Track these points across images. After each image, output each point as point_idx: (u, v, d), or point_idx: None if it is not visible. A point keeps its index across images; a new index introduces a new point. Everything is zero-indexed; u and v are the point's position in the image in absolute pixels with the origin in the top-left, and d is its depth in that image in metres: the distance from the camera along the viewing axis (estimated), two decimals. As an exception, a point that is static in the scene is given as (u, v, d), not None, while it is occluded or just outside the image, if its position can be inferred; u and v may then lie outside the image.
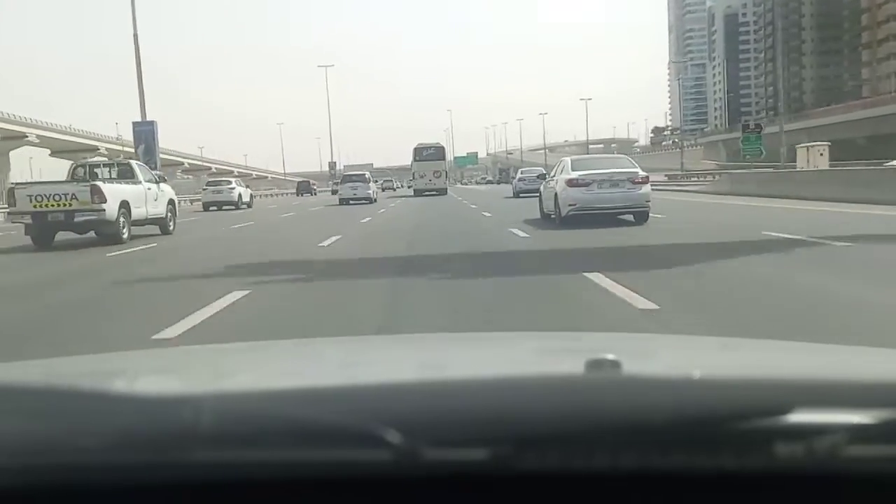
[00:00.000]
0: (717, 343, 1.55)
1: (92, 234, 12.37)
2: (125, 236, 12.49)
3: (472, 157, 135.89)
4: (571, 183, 12.35)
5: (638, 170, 12.72)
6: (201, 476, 0.59)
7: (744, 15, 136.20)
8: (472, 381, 0.76)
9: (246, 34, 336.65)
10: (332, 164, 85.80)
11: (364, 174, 36.81)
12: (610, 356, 0.77)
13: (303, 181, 64.09)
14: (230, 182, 34.20)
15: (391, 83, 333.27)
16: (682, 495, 0.61)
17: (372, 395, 0.66)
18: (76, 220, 12.12)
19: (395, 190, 59.76)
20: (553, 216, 12.94)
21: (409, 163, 43.81)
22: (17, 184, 13.82)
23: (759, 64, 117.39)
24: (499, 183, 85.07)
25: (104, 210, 12.18)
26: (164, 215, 14.44)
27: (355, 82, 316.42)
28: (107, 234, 12.25)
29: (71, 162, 17.29)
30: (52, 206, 12.13)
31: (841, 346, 1.40)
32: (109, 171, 14.40)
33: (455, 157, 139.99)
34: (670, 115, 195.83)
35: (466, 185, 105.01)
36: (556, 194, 12.64)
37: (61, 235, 12.43)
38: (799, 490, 0.61)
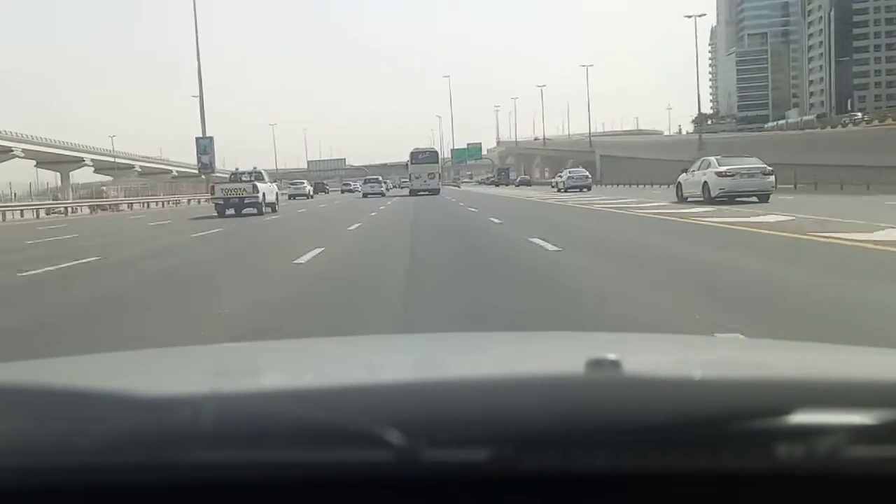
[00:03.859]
0: (717, 343, 1.65)
1: (231, 210, 26.79)
2: (263, 212, 26.65)
3: (475, 150, 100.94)
4: (720, 174, 20.34)
5: (766, 166, 20.84)
6: (201, 477, 0.62)
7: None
8: (472, 381, 0.80)
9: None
10: (205, 144, 53.34)
11: (378, 178, 58.34)
12: (610, 356, 0.79)
13: (318, 182, 78.77)
14: (303, 182, 64.19)
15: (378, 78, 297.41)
16: (683, 495, 0.64)
17: (372, 395, 0.70)
18: (245, 202, 26.43)
19: (386, 192, 58.25)
20: (690, 199, 21.56)
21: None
22: (216, 183, 30.25)
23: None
24: (497, 185, 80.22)
25: (258, 197, 26.49)
26: (274, 201, 28.96)
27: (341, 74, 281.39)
28: (257, 210, 26.37)
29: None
30: (233, 194, 26.60)
31: (841, 346, 1.50)
32: (251, 176, 28.12)
33: (453, 150, 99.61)
34: (712, 98, 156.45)
35: (463, 184, 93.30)
36: (704, 182, 20.83)
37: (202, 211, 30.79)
38: (799, 490, 0.64)
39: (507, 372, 1.01)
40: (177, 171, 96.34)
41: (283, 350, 1.49)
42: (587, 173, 47.04)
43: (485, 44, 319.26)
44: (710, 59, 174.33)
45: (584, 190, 42.54)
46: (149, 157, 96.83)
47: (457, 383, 0.77)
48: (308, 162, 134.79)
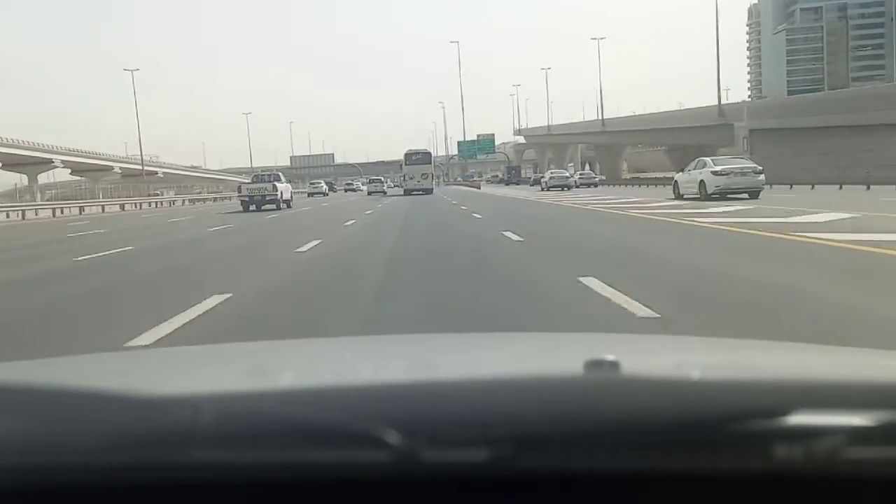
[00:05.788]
0: (716, 344, 1.69)
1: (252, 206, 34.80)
2: (282, 207, 33.37)
3: (487, 143, 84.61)
4: (716, 173, 23.11)
5: (757, 165, 23.91)
6: (200, 477, 0.65)
7: None
8: (472, 381, 0.83)
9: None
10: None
11: (380, 178, 67.03)
12: (609, 356, 0.81)
13: (328, 181, 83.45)
14: (320, 182, 73.89)
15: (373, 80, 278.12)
16: (682, 496, 0.67)
17: (371, 396, 0.73)
18: (266, 199, 33.09)
19: (387, 191, 66.67)
20: (686, 196, 24.36)
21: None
22: (242, 183, 37.07)
23: None
24: (507, 184, 79.22)
25: (277, 195, 33.32)
26: (289, 198, 35.90)
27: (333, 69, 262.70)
28: (276, 206, 33.02)
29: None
30: (256, 193, 33.23)
31: (841, 347, 1.55)
32: (270, 177, 34.69)
33: (460, 143, 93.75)
34: (750, 85, 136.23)
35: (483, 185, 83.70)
36: (701, 180, 23.56)
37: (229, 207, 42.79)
38: (798, 491, 0.66)
39: (506, 372, 1.03)
40: (119, 168, 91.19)
41: (283, 350, 1.52)
42: (567, 174, 55.24)
43: (486, 41, 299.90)
44: (748, 40, 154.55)
45: (565, 189, 46.94)
46: (78, 151, 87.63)
47: (456, 384, 0.78)
48: (290, 158, 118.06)
